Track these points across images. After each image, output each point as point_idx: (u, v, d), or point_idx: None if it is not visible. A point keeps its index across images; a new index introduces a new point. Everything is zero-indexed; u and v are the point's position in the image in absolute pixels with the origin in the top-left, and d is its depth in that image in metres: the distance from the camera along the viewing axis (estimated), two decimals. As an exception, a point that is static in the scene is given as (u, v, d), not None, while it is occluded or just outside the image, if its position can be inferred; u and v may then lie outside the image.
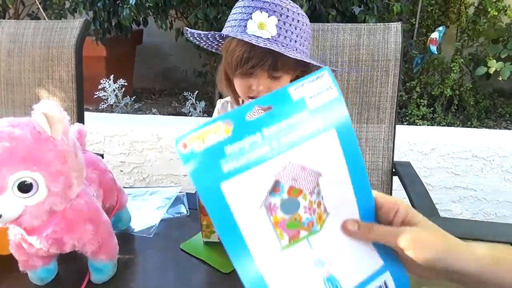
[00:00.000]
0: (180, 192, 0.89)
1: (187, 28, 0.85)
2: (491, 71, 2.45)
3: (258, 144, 0.37)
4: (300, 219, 0.42)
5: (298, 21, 0.78)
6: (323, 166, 0.42)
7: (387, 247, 0.45)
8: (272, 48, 0.72)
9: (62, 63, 1.27)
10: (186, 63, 3.08)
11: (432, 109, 2.59)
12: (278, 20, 0.75)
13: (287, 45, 0.76)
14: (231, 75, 0.85)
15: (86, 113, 1.33)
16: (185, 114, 2.65)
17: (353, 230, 0.44)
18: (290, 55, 0.74)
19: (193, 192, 0.95)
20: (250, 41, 0.73)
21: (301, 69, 0.84)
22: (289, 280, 0.42)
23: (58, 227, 0.55)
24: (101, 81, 2.51)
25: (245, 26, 0.76)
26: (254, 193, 0.39)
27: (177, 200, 0.86)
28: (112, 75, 2.55)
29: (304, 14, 0.80)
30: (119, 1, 2.36)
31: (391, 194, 1.24)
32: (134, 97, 2.77)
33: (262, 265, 0.40)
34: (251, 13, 0.75)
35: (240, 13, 0.78)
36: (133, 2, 2.18)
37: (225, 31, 0.81)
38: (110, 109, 2.65)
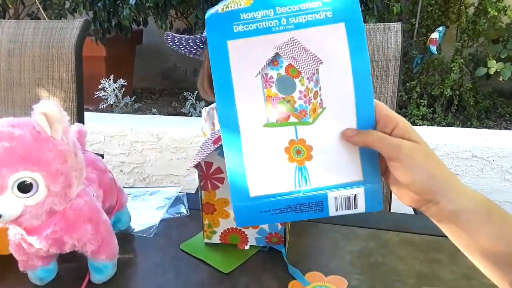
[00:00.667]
0: (180, 192, 0.89)
1: (168, 33, 0.83)
2: (491, 71, 2.45)
3: (269, 17, 0.42)
4: (294, 103, 0.43)
5: None
6: (326, 56, 0.43)
7: (374, 167, 0.45)
8: None
9: (62, 63, 1.27)
10: (186, 63, 3.08)
11: (432, 109, 2.59)
12: None
13: None
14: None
15: (86, 113, 1.33)
16: (185, 114, 2.65)
17: (349, 134, 0.44)
18: None
19: (193, 192, 0.95)
20: None
21: None
22: (264, 158, 0.44)
23: (58, 227, 0.55)
24: (101, 81, 2.51)
25: None
26: (254, 60, 0.42)
27: (177, 200, 0.86)
28: (112, 75, 2.55)
29: None
30: (119, 1, 2.36)
31: (391, 194, 1.24)
32: (134, 97, 2.77)
33: (245, 136, 0.43)
34: None
35: None
36: (133, 2, 2.18)
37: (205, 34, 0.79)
38: (110, 109, 2.65)
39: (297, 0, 0.43)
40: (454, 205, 0.41)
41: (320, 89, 0.44)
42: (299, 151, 0.44)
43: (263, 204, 0.45)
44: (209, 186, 0.66)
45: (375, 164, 0.45)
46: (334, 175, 0.45)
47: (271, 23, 0.42)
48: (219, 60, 0.42)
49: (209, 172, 0.65)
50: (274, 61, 0.43)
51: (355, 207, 0.46)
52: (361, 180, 0.45)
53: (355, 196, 0.45)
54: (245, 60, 0.42)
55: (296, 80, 0.43)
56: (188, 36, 0.82)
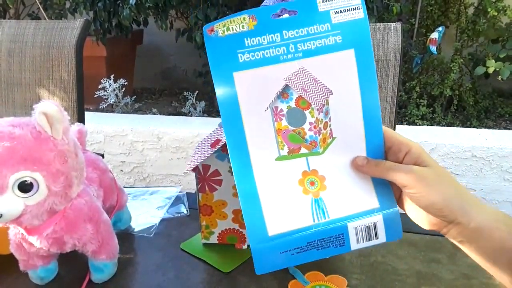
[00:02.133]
0: (180, 191, 0.89)
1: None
2: (490, 70, 2.45)
3: (276, 43, 0.39)
4: (304, 135, 0.42)
5: None
6: (336, 85, 0.42)
7: (389, 193, 0.44)
8: None
9: (62, 63, 1.27)
10: (186, 63, 3.08)
11: (431, 109, 2.59)
12: None
13: None
14: None
15: (86, 113, 1.33)
16: (185, 114, 2.65)
17: (360, 164, 0.43)
18: None
19: (193, 192, 0.95)
20: None
21: None
22: (279, 193, 0.42)
23: (59, 226, 0.55)
24: (102, 81, 2.51)
25: None
26: (263, 93, 0.40)
27: (177, 200, 0.86)
28: (113, 75, 2.55)
29: None
30: (119, 1, 2.36)
31: (391, 194, 1.24)
32: (134, 97, 2.77)
33: (258, 172, 0.41)
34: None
35: None
36: (133, 2, 2.18)
37: None
38: (111, 109, 2.65)
39: (304, 23, 0.40)
40: (475, 222, 0.40)
41: (329, 119, 0.42)
42: (313, 182, 0.43)
43: (283, 244, 0.43)
44: (207, 188, 0.66)
45: (389, 190, 0.45)
46: (350, 204, 0.44)
47: (278, 51, 0.39)
48: (225, 93, 0.39)
49: (207, 174, 0.65)
50: (284, 93, 0.40)
51: (376, 237, 0.44)
52: (378, 206, 0.44)
53: (374, 225, 0.44)
54: (253, 93, 0.40)
55: (306, 112, 0.41)
56: None
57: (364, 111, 0.43)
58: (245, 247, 0.70)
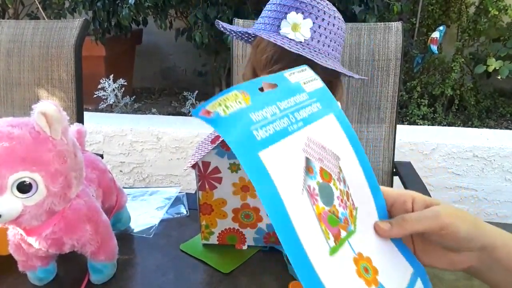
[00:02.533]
0: (179, 192, 0.89)
1: (218, 21, 0.83)
2: (490, 69, 2.44)
3: (278, 115, 0.36)
4: (337, 214, 0.38)
5: (333, 25, 0.75)
6: (338, 149, 0.40)
7: (409, 251, 0.43)
8: (303, 54, 0.70)
9: (61, 63, 1.27)
10: (186, 63, 3.08)
11: (432, 109, 2.59)
12: (313, 22, 0.73)
13: (319, 50, 0.73)
14: (258, 71, 0.83)
15: (85, 113, 1.32)
16: (185, 114, 2.65)
17: (387, 229, 0.41)
18: (321, 63, 0.71)
19: (193, 192, 0.95)
20: (282, 45, 0.70)
21: (330, 74, 0.81)
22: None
23: (58, 227, 0.55)
24: (101, 80, 2.51)
25: (279, 25, 0.73)
26: (291, 169, 0.36)
27: (177, 201, 0.86)
28: (112, 75, 2.55)
29: (341, 18, 0.78)
30: (118, 1, 2.36)
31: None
32: (133, 97, 2.77)
33: (321, 274, 0.35)
34: (286, 13, 0.73)
35: (275, 10, 0.75)
36: (133, 2, 2.17)
37: (257, 27, 0.79)
38: (110, 109, 2.64)
39: (287, 94, 0.38)
40: (499, 240, 0.41)
41: (348, 187, 0.40)
42: (366, 269, 0.39)
43: None
44: (207, 186, 0.66)
45: (407, 248, 0.43)
46: (401, 280, 0.41)
47: (284, 123, 0.36)
48: (260, 178, 0.33)
49: (207, 172, 0.65)
50: (308, 167, 0.37)
51: None
52: (412, 270, 0.42)
53: None
54: (284, 172, 0.35)
55: (331, 185, 0.38)
56: (240, 28, 0.83)
57: (364, 172, 0.42)
58: (245, 247, 0.70)
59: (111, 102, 2.54)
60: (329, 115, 0.41)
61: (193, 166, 0.65)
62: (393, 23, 1.18)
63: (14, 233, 0.57)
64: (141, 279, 0.63)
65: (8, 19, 2.80)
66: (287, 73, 0.39)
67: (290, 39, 0.72)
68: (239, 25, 1.19)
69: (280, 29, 0.73)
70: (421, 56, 2.53)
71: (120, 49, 2.92)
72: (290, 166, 0.35)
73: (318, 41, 0.73)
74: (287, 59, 0.74)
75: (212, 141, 0.63)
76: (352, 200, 0.40)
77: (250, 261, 0.67)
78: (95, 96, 2.48)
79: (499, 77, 2.43)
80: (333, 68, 0.74)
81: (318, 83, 0.41)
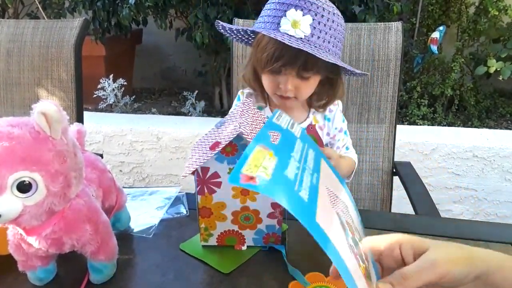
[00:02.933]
0: (179, 192, 0.89)
1: (218, 21, 0.84)
2: (491, 70, 2.44)
3: (300, 168, 0.36)
4: (369, 271, 0.38)
5: (333, 21, 0.76)
6: (343, 197, 0.40)
7: None
8: (304, 49, 0.71)
9: (61, 63, 1.27)
10: (186, 63, 3.08)
11: (432, 109, 2.59)
12: (313, 19, 0.73)
13: (319, 45, 0.74)
14: (259, 71, 0.84)
15: (85, 113, 1.32)
16: (185, 114, 2.65)
17: None
18: (322, 57, 0.72)
19: (193, 192, 0.95)
20: (283, 41, 0.71)
21: (331, 71, 0.83)
22: None
23: (57, 227, 0.55)
24: (101, 80, 2.51)
25: (279, 23, 0.74)
26: (337, 230, 0.35)
27: (177, 200, 0.86)
28: (112, 75, 2.55)
29: (340, 14, 0.78)
30: (118, 1, 2.36)
31: (391, 194, 1.24)
32: (133, 97, 2.77)
33: None
34: (286, 10, 0.74)
35: (275, 9, 0.76)
36: (133, 2, 2.17)
37: (257, 26, 0.79)
38: (110, 108, 2.64)
39: (290, 142, 0.38)
40: (494, 263, 0.41)
41: (359, 239, 0.40)
42: None
43: None
44: (206, 190, 0.65)
45: None
46: None
47: (307, 177, 0.36)
48: (327, 246, 0.33)
49: (206, 176, 0.64)
50: (342, 224, 0.36)
51: None
52: None
53: None
54: (335, 235, 0.35)
55: (357, 239, 0.38)
56: (239, 27, 0.84)
57: (359, 218, 0.42)
58: (244, 248, 0.70)
59: (111, 102, 2.54)
60: (321, 160, 0.41)
61: (193, 173, 0.64)
62: (393, 23, 1.18)
63: (14, 233, 0.57)
64: (141, 279, 0.63)
65: (8, 18, 2.80)
66: (274, 117, 0.40)
67: (290, 35, 0.73)
68: (239, 24, 1.19)
69: (280, 26, 0.74)
70: (421, 56, 2.53)
71: (120, 49, 2.92)
72: (335, 227, 0.35)
73: (318, 37, 0.74)
74: (288, 55, 0.75)
75: (211, 148, 0.63)
76: (365, 255, 0.40)
77: (250, 261, 0.67)
78: (95, 96, 2.48)
79: (500, 78, 2.43)
80: (334, 63, 0.74)
81: (297, 127, 0.42)
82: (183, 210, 0.82)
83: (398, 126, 1.23)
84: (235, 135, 0.60)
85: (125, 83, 2.56)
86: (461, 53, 2.57)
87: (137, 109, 2.77)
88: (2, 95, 1.34)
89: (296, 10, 0.73)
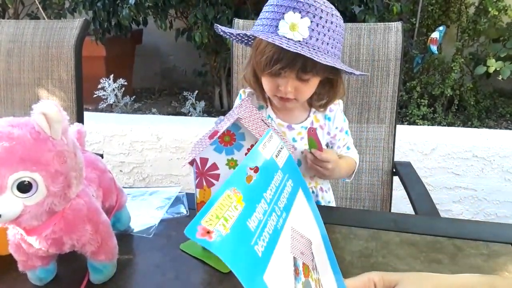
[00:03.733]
0: (179, 192, 0.89)
1: (217, 25, 0.84)
2: (491, 70, 2.45)
3: (267, 211, 0.34)
4: None
5: (331, 22, 0.75)
6: (309, 232, 0.39)
7: None
8: (302, 52, 0.71)
9: (61, 63, 1.27)
10: (186, 63, 3.08)
11: (432, 109, 2.59)
12: (311, 21, 0.73)
13: (318, 48, 0.74)
14: (259, 73, 0.84)
15: (85, 113, 1.32)
16: (185, 114, 2.65)
17: None
18: (319, 61, 0.71)
19: (193, 192, 0.95)
20: (281, 45, 0.71)
21: (331, 72, 0.83)
22: None
23: (58, 227, 0.55)
24: (101, 80, 2.51)
25: (277, 26, 0.74)
26: (286, 281, 0.33)
27: (177, 200, 0.86)
28: (112, 75, 2.55)
29: (339, 15, 0.78)
30: (118, 1, 2.36)
31: (391, 194, 1.24)
32: (133, 97, 2.77)
33: None
34: (284, 13, 0.74)
35: (273, 11, 0.76)
36: (133, 2, 2.17)
37: (256, 29, 0.79)
38: (110, 109, 2.64)
39: (268, 177, 0.37)
40: None
41: (319, 274, 0.39)
42: None
43: None
44: (204, 183, 0.66)
45: None
46: None
47: (273, 220, 0.34)
48: None
49: (204, 168, 0.65)
50: (295, 269, 0.35)
51: None
52: None
53: None
54: (278, 284, 0.32)
55: (310, 280, 0.36)
56: (238, 31, 0.84)
57: (327, 251, 0.41)
58: None
59: (111, 102, 2.54)
60: (299, 191, 0.41)
61: (191, 163, 0.65)
62: (393, 23, 1.19)
63: (14, 233, 0.57)
64: (141, 279, 0.63)
65: (8, 19, 2.81)
66: (260, 147, 0.39)
67: (288, 38, 0.73)
68: (239, 25, 1.19)
69: (279, 29, 0.74)
70: (421, 56, 2.53)
71: (120, 49, 2.92)
72: (285, 278, 0.33)
73: (317, 39, 0.74)
74: (286, 58, 0.75)
75: (210, 137, 0.64)
76: (320, 285, 0.39)
77: (250, 261, 0.67)
78: (95, 96, 2.48)
79: (500, 78, 2.43)
80: (332, 65, 0.74)
81: (285, 152, 0.42)
82: (183, 210, 0.83)
83: (398, 126, 1.23)
84: (232, 122, 0.61)
85: (125, 83, 2.56)
86: (461, 53, 2.57)
87: (137, 109, 2.77)
88: (3, 95, 1.35)
89: (294, 13, 0.73)
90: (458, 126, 2.52)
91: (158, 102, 3.08)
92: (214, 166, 0.65)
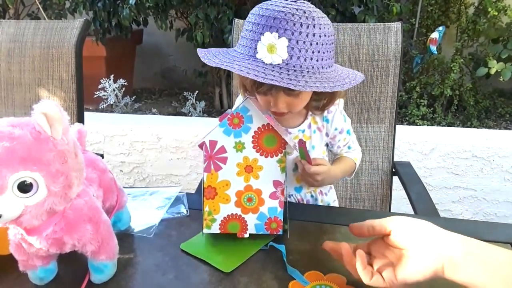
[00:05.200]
0: (180, 192, 0.89)
1: (200, 49, 0.79)
2: (492, 71, 2.45)
3: None
4: None
5: (314, 34, 0.70)
6: None
7: None
8: (277, 84, 0.66)
9: (62, 63, 1.27)
10: (186, 63, 3.08)
11: (432, 109, 2.59)
12: (290, 39, 0.68)
13: (300, 66, 0.69)
14: (249, 88, 0.82)
15: (86, 113, 1.33)
16: (185, 114, 2.65)
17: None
18: (298, 88, 0.67)
19: (193, 192, 0.95)
20: (256, 78, 0.67)
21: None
22: None
23: (58, 227, 0.55)
24: (101, 81, 2.51)
25: (255, 48, 0.70)
26: None
27: (177, 200, 0.86)
28: (112, 75, 2.55)
29: (323, 22, 0.72)
30: (119, 1, 2.36)
31: (391, 194, 1.24)
32: (134, 97, 2.77)
33: None
34: (261, 33, 0.70)
35: (251, 31, 0.72)
36: (133, 2, 2.18)
37: (237, 48, 0.76)
38: (110, 109, 2.65)
39: None
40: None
41: None
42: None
43: None
44: (212, 167, 0.68)
45: None
46: None
47: None
48: None
49: (213, 151, 0.67)
50: None
51: None
52: None
53: None
54: None
55: None
56: (217, 62, 0.76)
57: None
58: (246, 235, 0.70)
59: (111, 102, 2.54)
60: None
61: (201, 146, 0.67)
62: (393, 23, 1.19)
63: (14, 232, 0.57)
64: (141, 279, 0.64)
65: (8, 19, 2.80)
66: None
67: (266, 64, 0.69)
68: (239, 25, 1.20)
69: (257, 53, 0.70)
70: (421, 57, 2.53)
71: (121, 49, 2.92)
72: None
73: (298, 57, 0.69)
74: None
75: (220, 119, 0.66)
76: None
77: (250, 261, 0.67)
78: (95, 96, 2.48)
79: (501, 79, 2.43)
80: (313, 90, 0.69)
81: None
82: (183, 210, 0.83)
83: (397, 126, 1.23)
84: (243, 103, 0.65)
85: (125, 83, 2.57)
86: (460, 54, 2.58)
87: (138, 109, 2.78)
88: (3, 95, 1.35)
89: (271, 33, 0.69)
90: (458, 126, 2.52)
91: (158, 102, 3.09)
92: (222, 149, 0.67)
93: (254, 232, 0.71)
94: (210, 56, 0.77)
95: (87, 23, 1.29)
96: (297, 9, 0.70)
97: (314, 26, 0.70)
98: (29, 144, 0.48)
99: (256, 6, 0.75)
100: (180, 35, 2.51)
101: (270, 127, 0.68)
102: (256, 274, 0.64)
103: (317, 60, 0.71)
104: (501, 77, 2.41)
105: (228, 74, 2.55)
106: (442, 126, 2.48)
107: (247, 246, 0.70)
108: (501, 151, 1.79)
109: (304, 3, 0.73)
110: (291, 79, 0.67)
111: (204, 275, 0.64)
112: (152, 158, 2.06)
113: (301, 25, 0.69)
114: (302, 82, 0.68)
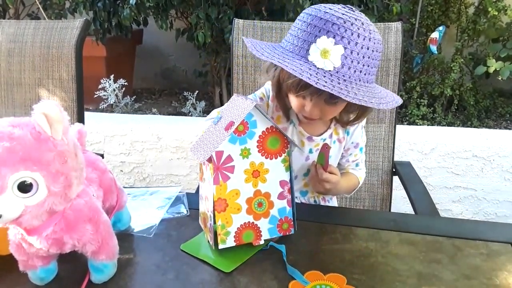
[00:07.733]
0: (180, 192, 0.89)
1: (245, 38, 0.78)
2: (491, 70, 2.45)
3: None
4: None
5: (368, 48, 0.69)
6: None
7: None
8: (329, 91, 0.65)
9: (62, 63, 1.27)
10: (186, 63, 3.08)
11: (432, 109, 2.59)
12: (345, 48, 0.67)
13: (349, 77, 0.68)
14: (285, 88, 0.80)
15: (86, 113, 1.33)
16: (185, 114, 2.65)
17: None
18: (347, 99, 0.66)
19: (193, 192, 0.95)
20: (308, 81, 0.65)
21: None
22: None
23: (58, 227, 0.55)
24: (101, 81, 2.51)
25: (308, 50, 0.68)
26: None
27: (177, 200, 0.86)
28: (112, 75, 2.55)
29: (377, 37, 0.71)
30: (119, 1, 2.36)
31: (391, 193, 1.24)
32: (134, 97, 2.77)
33: None
34: (317, 36, 0.68)
35: (305, 31, 0.70)
36: (134, 2, 2.17)
37: (284, 44, 0.74)
38: (110, 109, 2.65)
39: None
40: None
41: None
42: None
43: None
44: (220, 178, 0.67)
45: None
46: None
47: None
48: None
49: (220, 161, 0.66)
50: None
51: None
52: None
53: None
54: None
55: None
56: (262, 48, 0.76)
57: None
58: (261, 242, 0.70)
59: (111, 102, 2.54)
60: None
61: (209, 160, 0.65)
62: (393, 23, 1.19)
63: (14, 232, 0.57)
64: (141, 279, 0.64)
65: (9, 19, 2.80)
66: None
67: (318, 68, 0.67)
68: (239, 25, 1.19)
69: (309, 55, 0.68)
70: (421, 56, 2.53)
71: (121, 49, 2.92)
72: None
73: (349, 67, 0.68)
74: (314, 87, 0.68)
75: (226, 128, 0.65)
76: None
77: (250, 261, 0.67)
78: (95, 96, 2.48)
79: (499, 78, 2.43)
80: (361, 104, 0.68)
81: None
82: (183, 210, 0.83)
83: (397, 126, 1.23)
84: (250, 109, 0.63)
85: (125, 83, 2.56)
86: (460, 53, 2.58)
87: (138, 109, 2.78)
88: (3, 95, 1.35)
89: (328, 38, 0.67)
90: (458, 126, 2.52)
91: (158, 102, 3.08)
92: (229, 159, 0.66)
93: (268, 237, 0.71)
94: (258, 49, 0.75)
95: (87, 23, 1.29)
96: (355, 19, 0.68)
97: (369, 40, 0.69)
98: (29, 144, 0.48)
99: (312, 6, 0.72)
100: (180, 35, 2.50)
101: (274, 129, 0.68)
102: (256, 274, 0.64)
103: (365, 74, 0.70)
104: (499, 76, 2.41)
105: (228, 74, 2.54)
106: (442, 126, 2.48)
107: (247, 246, 0.70)
108: (501, 151, 1.79)
109: (361, 14, 0.71)
110: (341, 89, 0.66)
111: (204, 275, 0.64)
112: (152, 158, 2.06)
113: (358, 36, 0.68)
114: (352, 94, 0.66)
